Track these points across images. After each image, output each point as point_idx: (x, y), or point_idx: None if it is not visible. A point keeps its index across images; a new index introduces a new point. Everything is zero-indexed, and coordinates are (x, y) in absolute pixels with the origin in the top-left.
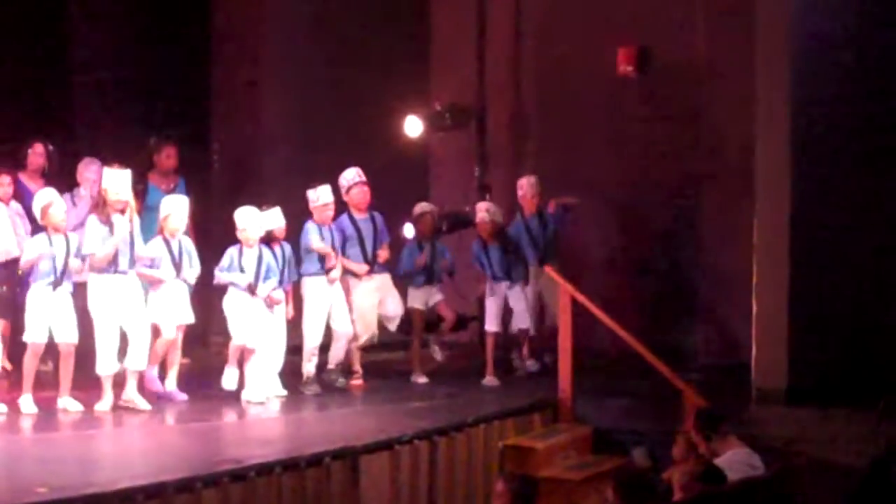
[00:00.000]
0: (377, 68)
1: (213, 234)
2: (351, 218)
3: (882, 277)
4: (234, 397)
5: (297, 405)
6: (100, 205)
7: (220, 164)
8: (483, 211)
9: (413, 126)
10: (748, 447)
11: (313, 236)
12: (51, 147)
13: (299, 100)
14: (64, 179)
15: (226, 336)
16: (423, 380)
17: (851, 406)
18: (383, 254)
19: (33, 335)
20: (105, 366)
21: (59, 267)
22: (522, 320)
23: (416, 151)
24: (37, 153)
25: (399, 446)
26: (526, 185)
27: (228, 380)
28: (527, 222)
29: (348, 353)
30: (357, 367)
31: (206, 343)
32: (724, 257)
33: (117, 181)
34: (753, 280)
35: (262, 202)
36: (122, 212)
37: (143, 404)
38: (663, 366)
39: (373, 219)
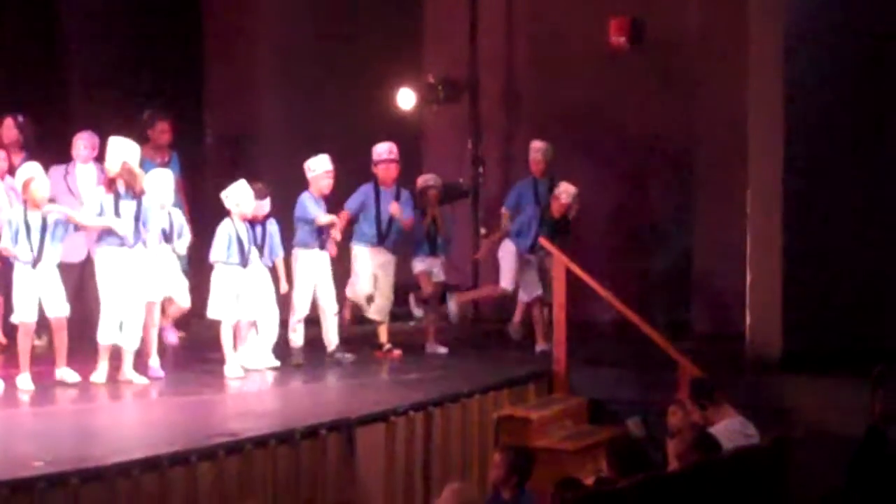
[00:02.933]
0: (370, 41)
1: (205, 208)
2: (376, 190)
3: (878, 246)
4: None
5: (292, 378)
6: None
7: (213, 138)
8: (565, 194)
9: (406, 99)
10: (743, 416)
11: (312, 209)
12: (21, 118)
13: (292, 73)
14: (59, 153)
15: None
16: (442, 350)
17: (846, 374)
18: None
19: (21, 314)
20: (105, 334)
21: (37, 244)
22: (534, 290)
23: (410, 124)
24: (8, 127)
25: (395, 418)
26: (533, 149)
27: (233, 368)
28: (536, 185)
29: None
30: (383, 339)
31: (201, 316)
32: (718, 227)
33: (111, 149)
34: (747, 249)
35: (255, 176)
36: (127, 184)
37: (140, 380)
38: (658, 336)
39: (397, 194)
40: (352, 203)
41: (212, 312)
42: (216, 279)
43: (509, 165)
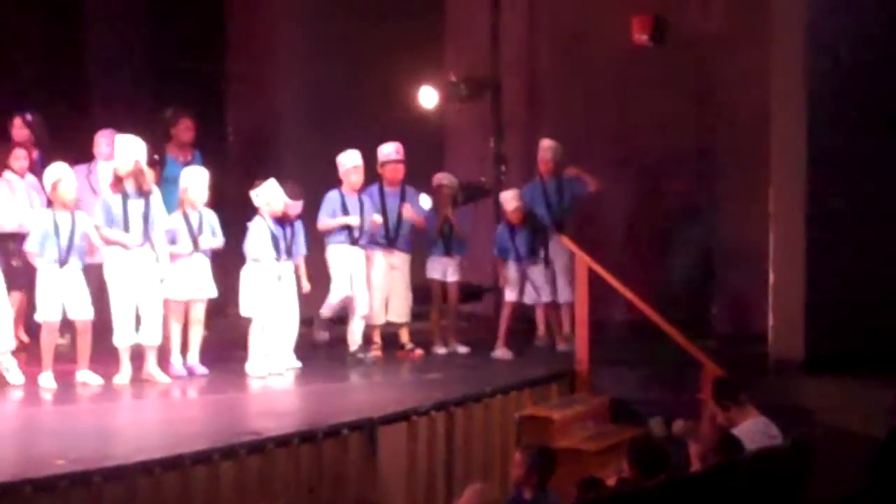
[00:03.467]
0: (391, 40)
1: (228, 207)
2: (381, 191)
3: None
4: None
5: (314, 377)
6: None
7: (236, 136)
8: (512, 200)
9: (428, 97)
10: (766, 417)
11: (333, 210)
12: (29, 116)
13: (313, 72)
14: (80, 152)
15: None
16: (442, 350)
17: (870, 375)
18: (377, 219)
19: (45, 314)
20: (121, 338)
21: (65, 245)
22: (547, 294)
23: (432, 122)
24: (17, 126)
25: (416, 417)
26: (542, 149)
27: (259, 366)
28: (544, 186)
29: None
30: (405, 339)
31: (225, 314)
32: (740, 227)
33: (123, 148)
34: (770, 249)
35: (278, 175)
36: (137, 183)
37: (163, 377)
38: (681, 335)
39: (402, 194)
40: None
41: (244, 310)
42: (248, 277)
43: (531, 164)
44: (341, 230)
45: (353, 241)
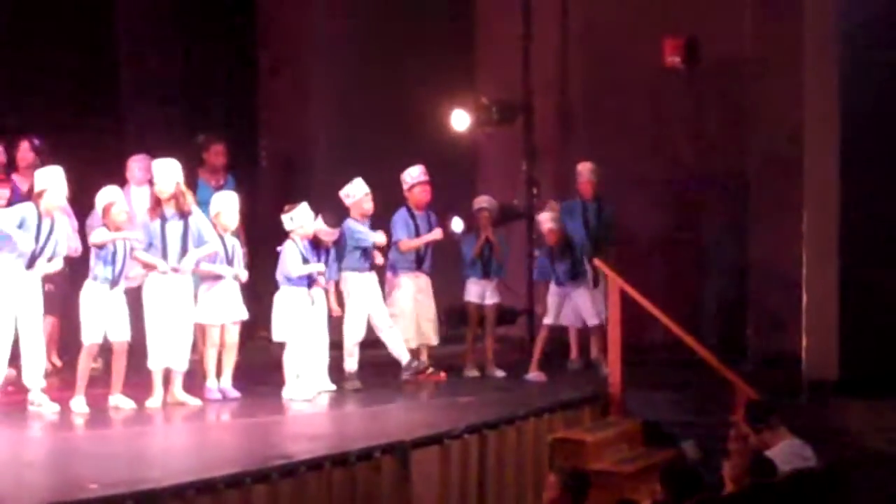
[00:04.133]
0: (423, 63)
1: (261, 231)
2: (411, 214)
3: None
4: (280, 393)
5: (345, 400)
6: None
7: (268, 161)
8: (549, 221)
9: (460, 120)
10: (799, 439)
11: (367, 233)
12: (37, 141)
13: (345, 96)
14: (115, 176)
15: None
16: (474, 373)
17: None
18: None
19: (91, 336)
20: (156, 360)
21: (119, 266)
22: (592, 316)
23: (464, 146)
24: (24, 150)
25: (449, 441)
26: (584, 171)
27: (295, 390)
28: (584, 206)
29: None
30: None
31: (252, 337)
32: (774, 249)
33: (163, 171)
34: (803, 271)
35: (310, 199)
36: (179, 205)
37: (192, 401)
38: (713, 357)
39: (428, 218)
40: (402, 233)
41: (277, 335)
42: (283, 301)
43: (563, 187)
44: (362, 255)
45: (371, 266)
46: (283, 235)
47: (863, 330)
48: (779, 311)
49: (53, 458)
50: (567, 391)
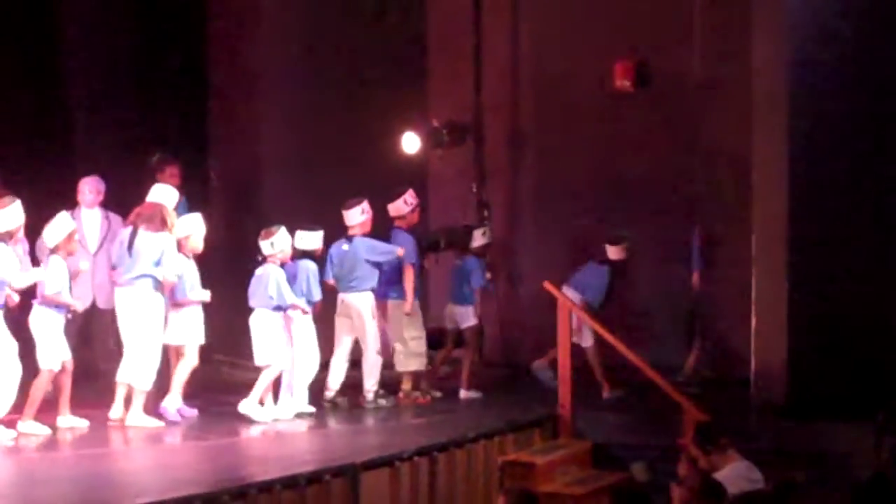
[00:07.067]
0: (374, 86)
1: (210, 252)
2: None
3: (882, 289)
4: (234, 415)
5: (297, 423)
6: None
7: (219, 182)
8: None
9: (411, 143)
10: (748, 461)
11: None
12: None
13: (297, 118)
14: (66, 198)
15: (226, 353)
16: (475, 395)
17: (852, 419)
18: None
19: (49, 361)
20: (121, 374)
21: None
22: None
23: (415, 168)
24: None
25: (399, 463)
26: None
27: (259, 411)
28: None
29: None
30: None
31: (208, 360)
32: (722, 271)
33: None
34: (752, 293)
35: (261, 221)
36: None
37: (152, 423)
38: (662, 380)
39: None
40: (413, 256)
41: (260, 359)
42: (263, 325)
43: (514, 209)
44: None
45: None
46: (240, 257)
47: (812, 352)
48: (728, 333)
49: (12, 482)
50: (517, 413)
